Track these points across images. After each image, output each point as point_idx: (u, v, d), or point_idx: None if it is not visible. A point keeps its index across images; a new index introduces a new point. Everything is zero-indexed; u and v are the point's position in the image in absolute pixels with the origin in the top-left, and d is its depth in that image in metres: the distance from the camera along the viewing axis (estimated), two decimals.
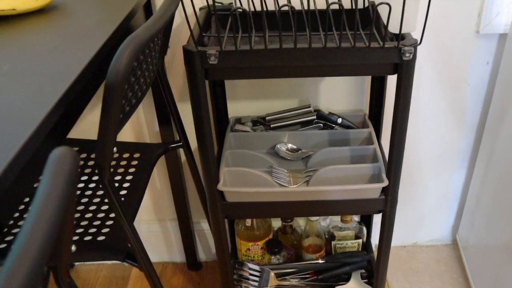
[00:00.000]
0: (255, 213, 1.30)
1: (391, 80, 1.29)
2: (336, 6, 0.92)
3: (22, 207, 1.15)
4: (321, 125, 1.38)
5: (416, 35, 0.98)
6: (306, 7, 0.93)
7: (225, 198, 1.20)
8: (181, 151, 1.52)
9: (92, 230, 1.08)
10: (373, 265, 1.47)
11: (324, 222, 1.62)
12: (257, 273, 1.46)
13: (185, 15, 0.92)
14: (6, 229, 1.09)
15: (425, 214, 1.76)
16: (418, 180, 1.67)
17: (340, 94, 1.45)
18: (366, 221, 1.60)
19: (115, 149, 0.86)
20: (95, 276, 1.78)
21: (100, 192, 1.20)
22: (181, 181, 1.57)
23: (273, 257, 1.52)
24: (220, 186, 1.16)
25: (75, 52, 0.86)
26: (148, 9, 1.24)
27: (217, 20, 0.98)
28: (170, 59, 1.38)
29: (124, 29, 0.99)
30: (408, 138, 1.50)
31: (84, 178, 1.24)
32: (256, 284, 1.45)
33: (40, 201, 0.47)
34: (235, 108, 1.47)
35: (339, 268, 1.49)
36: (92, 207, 1.15)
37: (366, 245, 1.58)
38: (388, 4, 0.87)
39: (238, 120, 1.42)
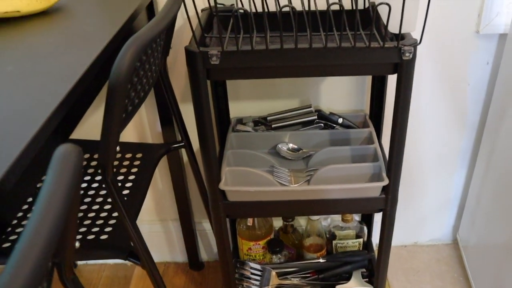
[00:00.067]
0: (257, 212, 1.31)
1: (392, 80, 1.30)
2: (336, 7, 0.93)
3: (25, 207, 1.17)
4: (322, 125, 1.39)
5: (416, 35, 0.99)
6: (306, 8, 0.94)
7: (226, 198, 1.21)
8: (183, 151, 1.53)
9: (95, 229, 1.09)
10: (374, 264, 1.48)
11: (325, 222, 1.63)
12: (259, 272, 1.47)
13: (187, 16, 0.93)
14: (10, 229, 1.10)
15: (425, 214, 1.76)
16: (419, 180, 1.67)
17: (341, 94, 1.46)
18: (367, 220, 1.61)
19: (118, 148, 0.87)
20: (97, 276, 1.79)
21: (103, 192, 1.21)
22: (183, 181, 1.58)
23: (274, 256, 1.53)
24: (222, 185, 1.17)
25: (78, 53, 0.87)
26: (150, 11, 1.25)
27: (219, 21, 0.99)
28: (172, 60, 1.39)
29: (126, 30, 1.00)
30: (409, 138, 1.51)
31: (87, 178, 1.25)
32: (257, 283, 1.46)
33: (46, 196, 0.48)
34: (237, 109, 1.48)
35: (340, 267, 1.50)
36: (95, 207, 1.16)
37: (367, 245, 1.59)
38: (388, 4, 0.88)
39: (240, 121, 1.43)
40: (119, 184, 1.21)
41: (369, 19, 0.97)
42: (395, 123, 1.08)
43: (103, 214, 1.13)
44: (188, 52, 0.99)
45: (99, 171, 1.26)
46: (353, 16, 0.93)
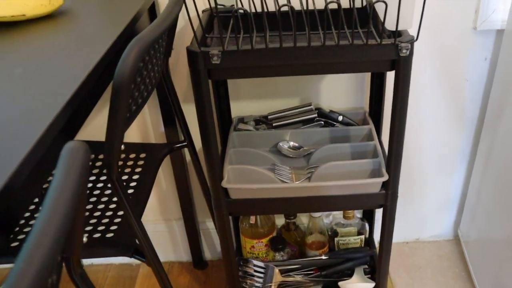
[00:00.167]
0: (259, 210, 1.32)
1: (391, 77, 1.32)
2: (334, 6, 0.94)
3: (32, 207, 1.19)
4: (322, 123, 1.40)
5: (413, 32, 1.01)
6: (305, 7, 0.96)
7: (229, 195, 1.22)
8: (186, 151, 1.55)
9: (101, 228, 1.11)
10: (376, 261, 1.50)
11: (327, 219, 1.65)
12: (262, 270, 1.49)
13: (188, 17, 0.95)
14: (17, 228, 1.12)
15: (426, 211, 1.78)
16: (419, 177, 1.69)
17: (340, 92, 1.48)
18: (368, 217, 1.63)
19: (122, 147, 0.89)
20: (103, 276, 1.81)
21: (108, 192, 1.23)
22: (186, 180, 1.60)
23: (277, 254, 1.54)
24: (224, 183, 1.19)
25: (83, 55, 0.89)
26: (152, 12, 1.27)
27: (219, 21, 1.01)
28: (174, 61, 1.41)
29: (129, 32, 1.02)
30: (408, 136, 1.54)
31: (92, 178, 1.27)
32: (261, 280, 1.48)
33: (55, 191, 0.49)
34: (238, 108, 1.50)
35: (342, 264, 1.51)
36: (100, 206, 1.18)
37: (369, 241, 1.61)
38: (384, 1, 0.90)
39: (241, 120, 1.45)
40: (124, 184, 1.22)
41: (367, 17, 0.99)
42: (393, 119, 1.09)
43: (109, 213, 1.15)
44: (190, 52, 1.01)
45: (104, 171, 1.29)
46: (350, 14, 0.95)
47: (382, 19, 0.96)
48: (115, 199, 1.20)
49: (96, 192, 1.23)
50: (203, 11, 1.22)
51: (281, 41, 0.97)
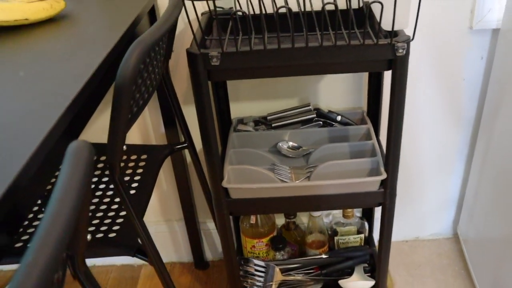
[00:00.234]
0: (259, 209, 1.34)
1: (388, 77, 1.34)
2: (331, 7, 0.96)
3: (35, 208, 1.20)
4: (321, 123, 1.42)
5: (409, 32, 1.02)
6: (302, 9, 0.98)
7: (229, 195, 1.24)
8: (187, 152, 1.57)
9: (104, 228, 1.12)
10: (376, 259, 1.51)
11: (327, 219, 1.66)
12: (263, 269, 1.50)
13: (188, 20, 0.97)
14: (21, 229, 1.13)
15: (426, 209, 1.79)
16: (418, 177, 1.70)
17: (339, 92, 1.50)
18: (368, 216, 1.65)
19: (124, 147, 0.90)
20: (105, 277, 1.83)
21: (110, 193, 1.24)
22: (187, 181, 1.62)
23: (277, 253, 1.56)
24: (225, 183, 1.20)
25: (85, 57, 0.91)
26: (152, 15, 1.29)
27: (219, 23, 1.03)
28: (174, 63, 1.42)
29: (130, 35, 1.03)
30: (406, 135, 1.55)
31: (94, 179, 1.29)
32: (261, 279, 1.49)
33: (61, 188, 0.51)
34: (238, 109, 1.51)
35: (342, 262, 1.52)
36: (103, 207, 1.19)
37: (368, 240, 1.62)
38: (380, 2, 0.92)
39: (241, 121, 1.47)
40: (126, 184, 1.24)
41: (363, 17, 1.00)
42: (391, 118, 1.11)
43: (111, 214, 1.17)
44: (190, 54, 1.02)
45: (106, 172, 1.30)
46: (347, 15, 0.97)
47: (378, 19, 0.97)
48: (117, 200, 1.21)
49: (98, 193, 1.24)
50: (202, 14, 1.24)
51: (279, 42, 0.99)
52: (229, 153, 1.32)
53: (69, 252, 0.67)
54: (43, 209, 1.18)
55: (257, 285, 1.48)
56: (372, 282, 1.47)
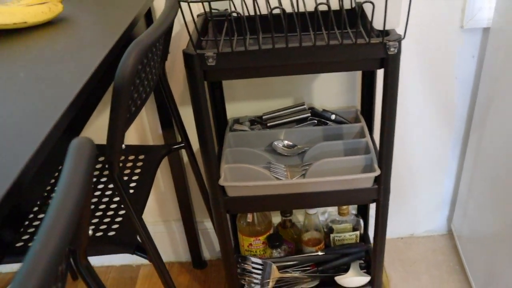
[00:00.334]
0: (255, 207, 1.36)
1: (381, 76, 1.36)
2: (324, 7, 0.98)
3: (35, 208, 1.22)
4: (316, 121, 1.44)
5: (401, 31, 1.05)
6: (296, 9, 1.00)
7: (226, 193, 1.26)
8: (183, 152, 1.59)
9: (103, 227, 1.14)
10: (371, 255, 1.53)
11: (322, 216, 1.68)
12: (260, 267, 1.52)
13: (184, 21, 0.99)
14: (22, 229, 1.15)
15: (420, 207, 1.82)
16: (412, 175, 1.73)
17: (333, 91, 1.52)
18: (363, 213, 1.67)
19: (123, 146, 0.92)
20: (104, 278, 1.84)
21: (109, 192, 1.26)
22: (184, 181, 1.64)
23: (274, 251, 1.58)
24: (222, 181, 1.22)
25: (83, 59, 0.92)
26: (148, 18, 1.31)
27: (214, 25, 1.05)
28: (170, 64, 1.44)
29: (127, 37, 1.05)
30: (400, 133, 1.58)
31: (93, 179, 1.31)
32: (259, 277, 1.51)
33: (65, 183, 0.53)
34: (233, 109, 1.54)
35: (338, 259, 1.54)
36: (102, 206, 1.21)
37: (364, 237, 1.64)
38: (371, 2, 0.94)
39: (237, 120, 1.49)
40: (125, 182, 1.26)
41: (355, 17, 1.03)
42: (384, 115, 1.13)
43: (110, 213, 1.19)
44: (186, 55, 1.05)
45: (104, 173, 1.32)
46: (340, 15, 1.00)
47: (370, 19, 1.00)
48: (116, 199, 1.23)
49: (97, 193, 1.26)
50: (197, 16, 1.26)
51: (274, 42, 1.01)
52: (225, 152, 1.34)
53: (71, 247, 0.69)
54: (42, 209, 1.20)
55: (254, 283, 1.50)
56: (368, 278, 1.49)
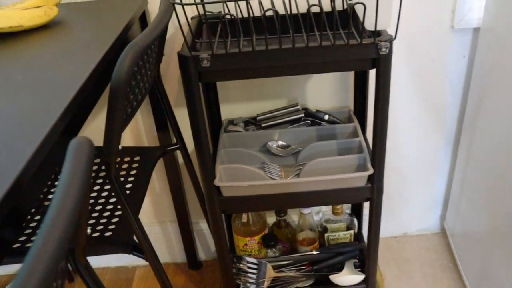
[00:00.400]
0: (250, 207, 1.37)
1: (373, 77, 1.38)
2: (316, 9, 1.00)
3: (32, 210, 1.23)
4: (309, 122, 1.46)
5: (392, 32, 1.07)
6: (289, 11, 1.01)
7: (222, 194, 1.27)
8: (179, 153, 1.60)
9: (100, 227, 1.15)
10: (365, 254, 1.55)
11: (317, 216, 1.70)
12: (255, 266, 1.53)
13: (178, 23, 1.01)
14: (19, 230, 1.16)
15: (413, 206, 1.83)
16: (404, 174, 1.75)
17: (326, 92, 1.54)
18: (357, 213, 1.68)
19: (120, 147, 0.93)
20: (100, 279, 1.85)
21: (105, 193, 1.27)
22: (179, 182, 1.65)
23: (269, 250, 1.59)
24: (217, 181, 1.24)
25: (80, 61, 0.94)
26: (143, 21, 1.32)
27: (208, 27, 1.07)
28: (165, 66, 1.46)
29: (122, 40, 1.07)
30: (392, 133, 1.59)
31: None
32: (254, 276, 1.52)
33: (65, 181, 0.54)
34: (228, 111, 1.55)
35: (332, 258, 1.56)
36: (98, 207, 1.22)
37: (358, 236, 1.66)
38: (362, 3, 0.96)
39: (231, 122, 1.50)
40: (121, 182, 1.27)
41: (347, 18, 1.04)
42: (376, 115, 1.15)
43: (106, 214, 1.20)
44: (181, 57, 1.06)
45: (100, 174, 1.33)
46: (332, 16, 1.01)
47: (361, 20, 1.02)
48: (112, 200, 1.24)
49: (93, 194, 1.27)
50: (191, 18, 1.27)
51: (267, 44, 1.03)
52: (220, 153, 1.35)
53: (70, 246, 0.70)
54: (38, 211, 1.21)
55: (250, 282, 1.51)
56: (362, 277, 1.50)
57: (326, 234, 1.61)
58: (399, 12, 1.01)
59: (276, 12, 1.00)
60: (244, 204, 1.31)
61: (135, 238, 1.11)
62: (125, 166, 1.36)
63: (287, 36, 1.06)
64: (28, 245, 1.13)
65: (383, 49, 1.04)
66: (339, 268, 1.55)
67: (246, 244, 1.59)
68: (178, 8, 1.01)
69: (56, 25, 1.13)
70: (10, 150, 0.68)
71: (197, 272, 1.86)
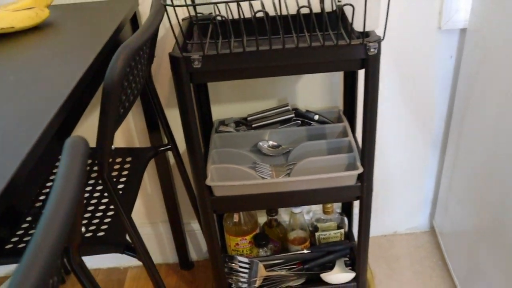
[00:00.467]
0: (242, 206, 1.38)
1: (362, 77, 1.40)
2: (306, 10, 1.01)
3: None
4: (299, 122, 1.48)
5: (380, 32, 1.08)
6: (279, 12, 1.03)
7: (213, 193, 1.28)
8: (170, 154, 1.61)
9: (92, 228, 1.16)
10: (356, 252, 1.56)
11: (307, 215, 1.71)
12: (247, 266, 1.54)
13: (170, 25, 1.02)
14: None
15: (402, 205, 1.85)
16: (394, 174, 1.76)
17: (316, 92, 1.55)
18: (347, 212, 1.70)
19: (113, 147, 0.94)
20: None
21: (97, 194, 1.28)
22: (170, 183, 1.66)
23: (260, 250, 1.60)
24: (208, 181, 1.25)
25: (72, 63, 0.95)
26: (134, 23, 1.33)
27: (199, 28, 1.08)
28: (156, 67, 1.47)
29: (114, 41, 1.08)
30: (381, 133, 1.61)
31: None
32: (246, 276, 1.53)
33: (62, 179, 0.55)
34: (219, 111, 1.56)
35: (323, 257, 1.57)
36: (90, 208, 1.23)
37: (348, 234, 1.67)
38: (351, 5, 0.98)
39: (222, 122, 1.52)
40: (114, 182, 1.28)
41: (337, 19, 1.06)
42: (365, 115, 1.16)
43: (98, 214, 1.20)
44: (172, 58, 1.07)
45: (92, 175, 1.34)
46: (321, 17, 1.03)
47: (350, 21, 1.03)
48: (104, 200, 1.25)
49: (85, 195, 1.28)
50: (182, 19, 1.28)
51: (258, 45, 1.04)
52: (211, 153, 1.36)
53: (65, 244, 0.71)
54: (30, 212, 1.22)
55: (241, 281, 1.53)
56: (353, 275, 1.52)
57: (317, 233, 1.62)
58: (387, 13, 1.02)
59: (266, 13, 1.01)
60: (235, 204, 1.32)
61: (127, 238, 1.12)
62: (116, 167, 1.37)
63: (277, 37, 1.07)
64: (20, 246, 1.14)
65: (372, 50, 1.06)
66: (330, 267, 1.57)
67: (237, 244, 1.60)
68: (169, 9, 1.02)
69: (48, 27, 1.14)
70: (5, 151, 0.69)
71: (189, 272, 1.87)
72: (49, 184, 1.32)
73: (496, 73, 1.24)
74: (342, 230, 1.63)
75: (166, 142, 1.46)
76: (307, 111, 1.49)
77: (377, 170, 1.70)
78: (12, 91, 0.85)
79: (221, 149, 1.39)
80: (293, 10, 1.16)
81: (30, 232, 1.17)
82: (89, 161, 1.37)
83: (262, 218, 1.70)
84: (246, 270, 1.54)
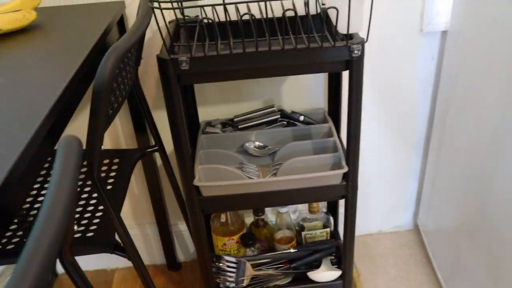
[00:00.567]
0: (229, 206, 1.39)
1: (347, 78, 1.42)
2: (291, 13, 1.04)
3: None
4: (285, 123, 1.50)
5: (364, 35, 1.11)
6: (265, 15, 1.05)
7: (201, 193, 1.30)
8: (157, 156, 1.62)
9: (81, 228, 1.17)
10: (341, 250, 1.58)
11: (294, 215, 1.73)
12: (234, 265, 1.56)
13: (158, 27, 1.03)
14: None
15: (387, 204, 1.88)
16: (378, 174, 1.79)
17: (301, 94, 1.57)
18: (333, 211, 1.72)
19: (102, 147, 0.96)
20: None
21: (85, 195, 1.29)
22: (158, 184, 1.67)
23: (248, 249, 1.62)
24: (196, 181, 1.26)
25: (61, 65, 0.96)
26: (121, 26, 1.34)
27: (186, 31, 1.10)
28: (143, 70, 1.48)
29: (101, 44, 1.09)
30: (364, 133, 1.64)
31: None
32: (233, 275, 1.55)
33: (57, 179, 0.57)
34: (205, 113, 1.58)
35: (310, 255, 1.59)
36: (79, 209, 1.24)
37: (334, 233, 1.69)
38: (335, 8, 1.00)
39: (209, 123, 1.53)
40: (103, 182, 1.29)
41: (321, 22, 1.08)
42: (350, 115, 1.19)
43: (87, 215, 1.21)
44: (160, 60, 1.08)
45: (80, 176, 1.35)
46: (306, 20, 1.05)
47: (335, 23, 1.06)
48: (92, 201, 1.26)
49: None
50: (169, 22, 1.30)
51: (244, 47, 1.06)
52: (199, 154, 1.38)
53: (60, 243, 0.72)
54: (20, 213, 1.22)
55: (229, 281, 1.54)
56: (339, 273, 1.54)
57: (303, 233, 1.64)
58: (370, 16, 1.05)
59: (253, 16, 1.03)
60: (223, 204, 1.33)
61: (117, 238, 1.13)
62: (104, 168, 1.38)
63: (264, 40, 1.09)
64: (9, 247, 1.14)
65: (356, 51, 1.08)
66: (316, 265, 1.59)
67: (225, 244, 1.62)
68: (157, 12, 1.03)
69: (35, 29, 1.15)
70: None
71: (177, 273, 1.88)
72: (36, 186, 1.32)
73: (477, 73, 1.28)
74: (328, 229, 1.65)
75: (153, 143, 1.47)
76: (293, 112, 1.51)
77: (362, 170, 1.72)
78: (2, 93, 0.86)
79: (208, 150, 1.41)
80: (278, 13, 1.18)
81: (18, 233, 1.17)
82: None
83: (249, 218, 1.72)
84: (234, 270, 1.56)
